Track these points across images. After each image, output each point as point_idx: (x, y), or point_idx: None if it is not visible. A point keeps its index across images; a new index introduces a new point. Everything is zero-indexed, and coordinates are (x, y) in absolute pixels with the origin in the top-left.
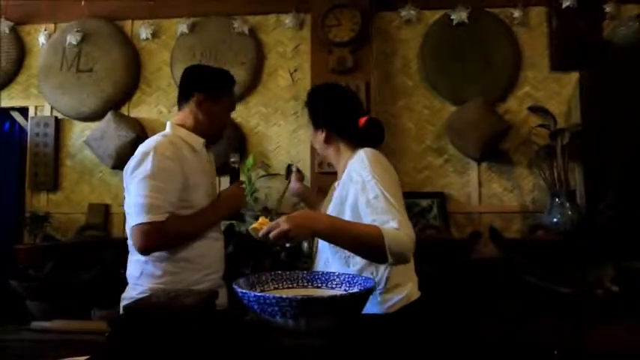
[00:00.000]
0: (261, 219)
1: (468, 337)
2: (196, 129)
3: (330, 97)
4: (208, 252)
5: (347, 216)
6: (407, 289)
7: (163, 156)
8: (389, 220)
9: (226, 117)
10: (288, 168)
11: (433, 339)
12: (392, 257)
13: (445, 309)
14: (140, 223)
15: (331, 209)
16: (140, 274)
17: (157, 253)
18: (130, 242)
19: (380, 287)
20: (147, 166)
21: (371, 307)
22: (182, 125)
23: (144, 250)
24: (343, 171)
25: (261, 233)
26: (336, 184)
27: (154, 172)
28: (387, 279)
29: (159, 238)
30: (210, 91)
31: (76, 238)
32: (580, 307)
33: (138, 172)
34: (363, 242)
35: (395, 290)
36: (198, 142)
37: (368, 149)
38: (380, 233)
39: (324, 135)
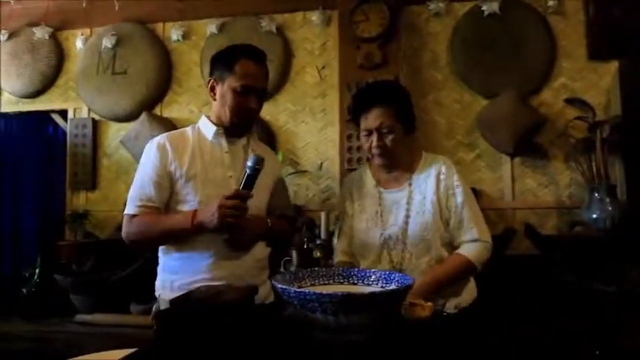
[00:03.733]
0: (420, 302)
1: (503, 337)
2: (215, 116)
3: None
4: (212, 255)
5: (428, 209)
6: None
7: (152, 148)
8: (472, 227)
9: (236, 98)
10: None
11: (470, 337)
12: (479, 269)
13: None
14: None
15: (402, 203)
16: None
17: (164, 249)
18: None
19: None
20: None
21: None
22: (209, 115)
23: (124, 240)
24: (413, 171)
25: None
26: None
27: (141, 164)
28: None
29: (125, 230)
30: (216, 73)
31: (115, 235)
32: (622, 305)
33: None
34: (461, 277)
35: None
36: (210, 130)
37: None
38: (471, 263)
39: (414, 135)
